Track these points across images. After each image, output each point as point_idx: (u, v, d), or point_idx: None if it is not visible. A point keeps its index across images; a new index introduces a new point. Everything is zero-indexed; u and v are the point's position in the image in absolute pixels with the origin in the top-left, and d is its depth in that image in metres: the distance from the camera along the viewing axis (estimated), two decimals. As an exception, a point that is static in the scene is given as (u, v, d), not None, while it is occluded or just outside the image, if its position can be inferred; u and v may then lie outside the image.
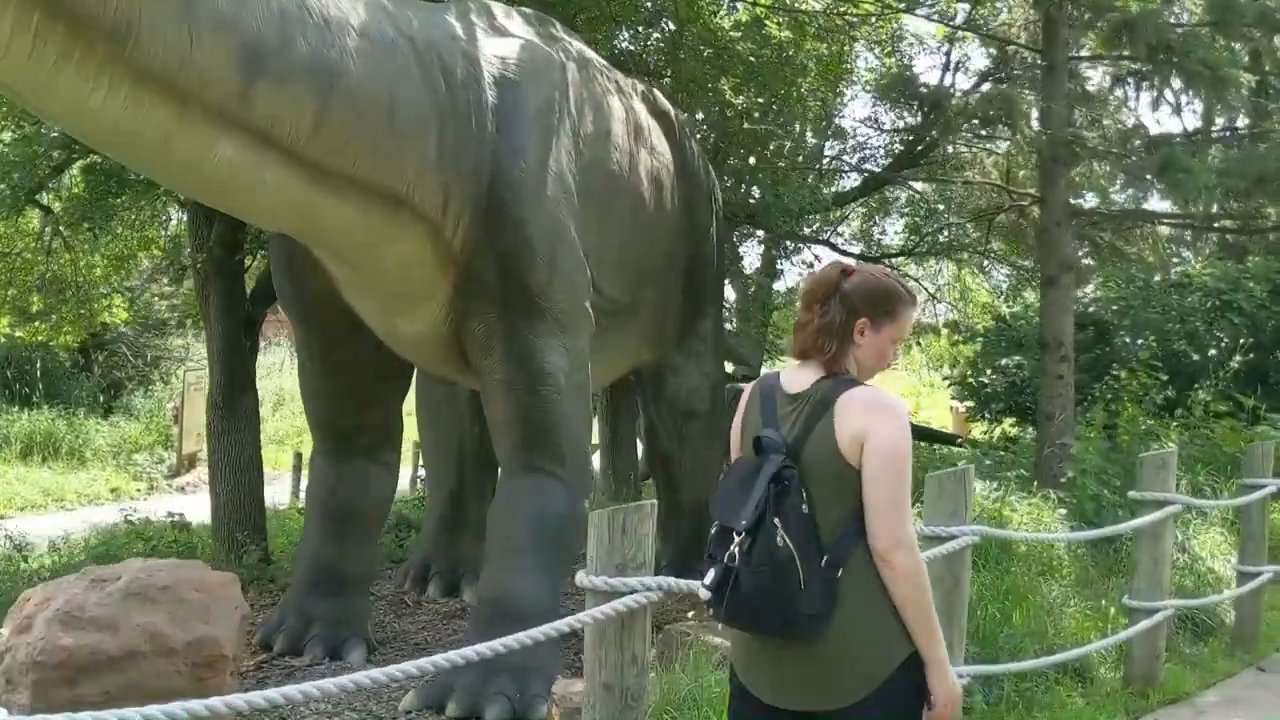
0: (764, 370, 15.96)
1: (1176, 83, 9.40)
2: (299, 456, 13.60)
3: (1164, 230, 9.78)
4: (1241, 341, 11.68)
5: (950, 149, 13.05)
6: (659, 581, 3.04)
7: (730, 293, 17.45)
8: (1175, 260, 14.13)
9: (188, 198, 7.12)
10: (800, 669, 2.29)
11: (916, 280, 25.18)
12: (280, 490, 13.34)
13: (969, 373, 15.70)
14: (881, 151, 15.54)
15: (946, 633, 2.72)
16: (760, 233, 15.31)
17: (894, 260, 20.87)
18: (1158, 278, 13.69)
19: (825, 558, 2.25)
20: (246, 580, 6.04)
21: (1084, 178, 10.92)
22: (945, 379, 18.17)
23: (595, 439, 9.35)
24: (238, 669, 4.04)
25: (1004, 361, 14.47)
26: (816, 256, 25.93)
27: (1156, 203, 11.95)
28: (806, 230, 18.06)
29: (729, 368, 16.20)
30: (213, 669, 3.72)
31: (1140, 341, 13.71)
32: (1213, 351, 13.14)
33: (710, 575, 2.34)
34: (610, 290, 6.25)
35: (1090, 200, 12.26)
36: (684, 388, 7.83)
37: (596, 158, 5.77)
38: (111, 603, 3.60)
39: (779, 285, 24.00)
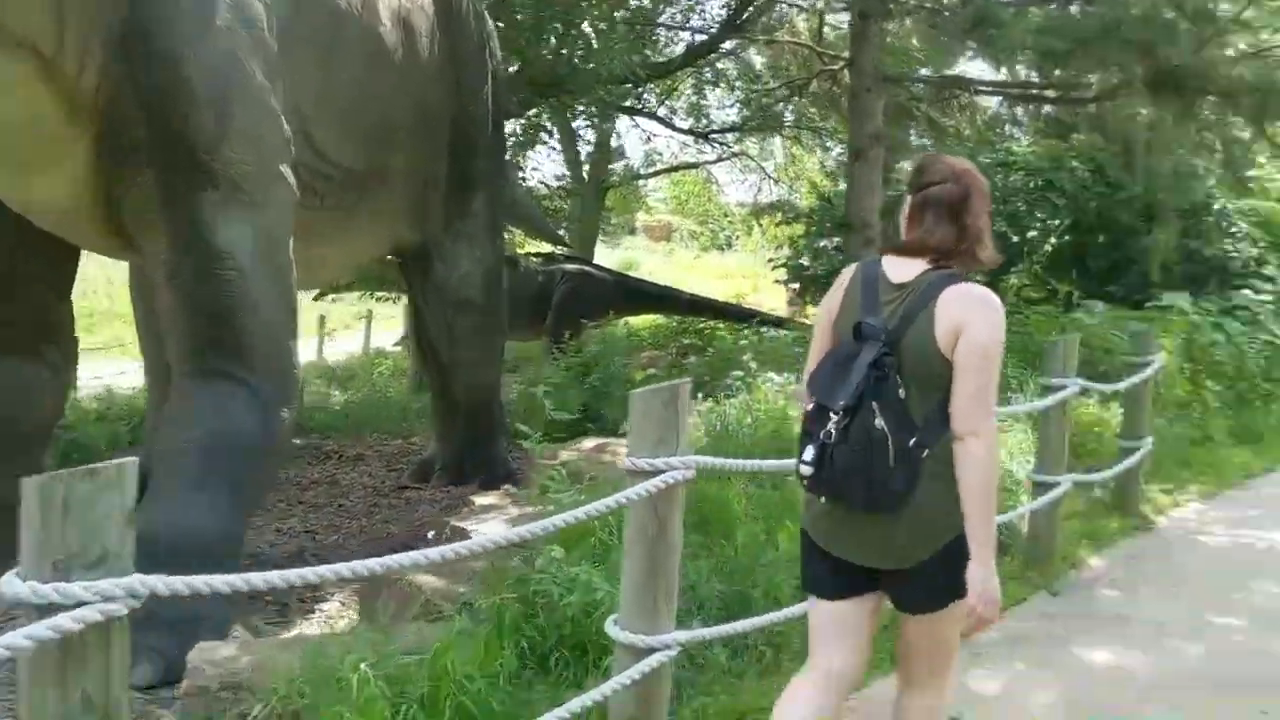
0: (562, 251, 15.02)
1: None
2: None
3: (985, 104, 9.19)
4: (1057, 224, 11.35)
5: (775, 9, 12.18)
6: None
7: (557, 169, 16.36)
8: (999, 137, 13.71)
9: None
10: (879, 535, 2.46)
11: (753, 160, 24.62)
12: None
13: (791, 256, 15.23)
14: (709, 15, 14.54)
15: (650, 592, 3.06)
16: (593, 106, 14.15)
17: (724, 137, 20.12)
18: (983, 156, 13.34)
19: (914, 440, 2.39)
20: None
21: (898, 41, 10.14)
22: (769, 261, 17.70)
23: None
24: None
25: (824, 243, 13.92)
26: (650, 134, 24.79)
27: (976, 71, 11.35)
28: (633, 102, 17.08)
29: (547, 249, 15.27)
30: None
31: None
32: (1033, 233, 12.93)
33: (809, 451, 2.45)
34: (338, 155, 5.15)
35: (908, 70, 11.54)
36: (454, 275, 6.83)
37: (311, -15, 4.62)
38: None
39: (622, 165, 23.08)
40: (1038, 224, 12.58)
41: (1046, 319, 9.23)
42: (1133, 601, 5.09)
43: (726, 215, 36.16)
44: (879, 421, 2.38)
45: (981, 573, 2.39)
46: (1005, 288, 9.21)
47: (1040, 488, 5.48)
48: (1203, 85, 7.13)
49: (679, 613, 3.27)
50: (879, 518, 2.43)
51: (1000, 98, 9.68)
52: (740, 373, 7.38)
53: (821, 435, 2.43)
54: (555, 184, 18.22)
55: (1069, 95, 8.46)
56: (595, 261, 16.05)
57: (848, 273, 2.63)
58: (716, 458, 3.53)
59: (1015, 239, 11.86)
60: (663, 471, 2.97)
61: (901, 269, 2.51)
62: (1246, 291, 11.28)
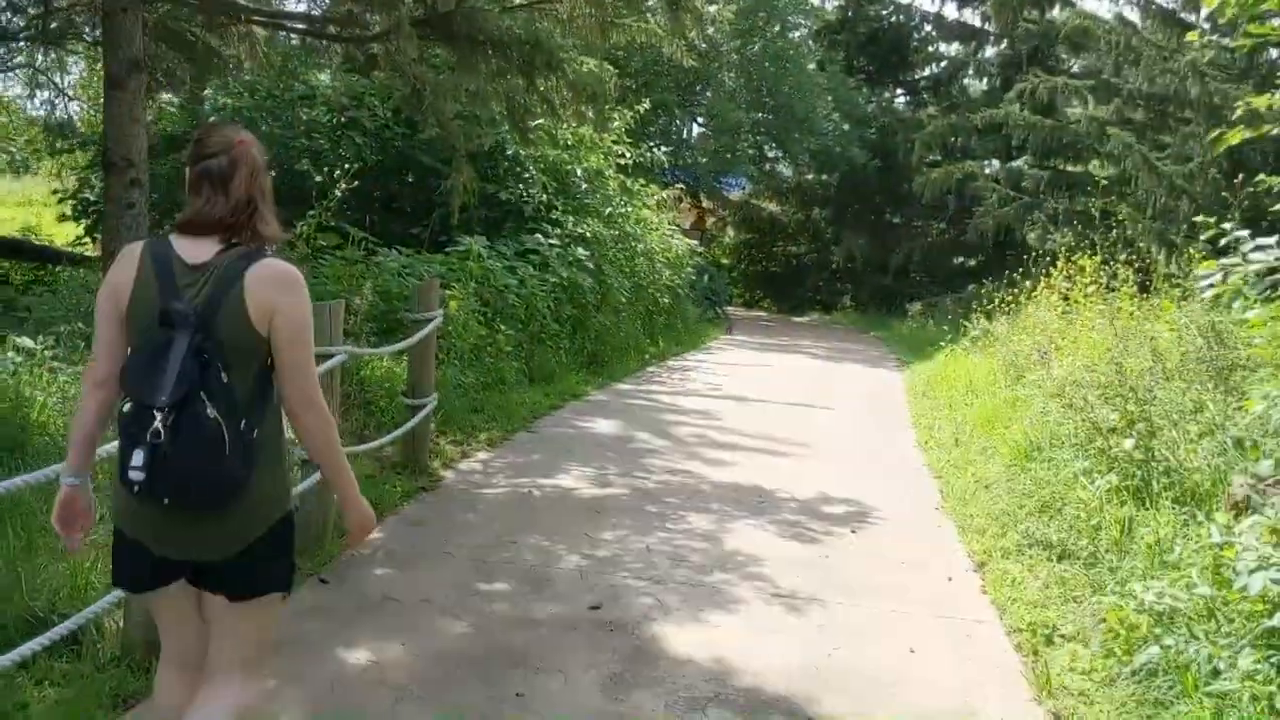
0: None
1: None
2: None
3: (264, 32, 8.40)
4: (360, 164, 10.97)
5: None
6: None
7: None
8: (304, 68, 12.98)
9: None
10: (213, 528, 2.40)
11: (43, 73, 21.01)
12: None
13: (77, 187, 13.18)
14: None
15: None
16: None
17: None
18: (281, 90, 12.53)
19: (244, 423, 2.34)
20: None
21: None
22: (55, 192, 15.27)
23: None
24: None
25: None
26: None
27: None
28: None
29: None
30: None
31: (267, 160, 12.48)
32: (338, 173, 12.47)
33: (138, 455, 2.27)
34: None
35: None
36: None
37: None
38: None
39: None
40: (344, 163, 12.15)
41: (346, 265, 8.79)
42: (407, 577, 4.79)
43: (25, 135, 31.01)
44: (211, 412, 2.28)
45: (356, 512, 2.60)
46: (302, 233, 8.56)
47: (310, 465, 4.97)
48: (473, 33, 7.05)
49: None
50: (215, 513, 2.37)
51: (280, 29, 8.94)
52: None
53: (149, 437, 2.27)
54: None
55: (352, 33, 7.96)
56: None
57: (133, 252, 2.44)
58: None
59: (318, 178, 11.28)
60: None
61: (195, 249, 2.41)
62: (539, 235, 11.96)
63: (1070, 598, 4.84)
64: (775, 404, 10.80)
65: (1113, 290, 10.95)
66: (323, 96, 12.23)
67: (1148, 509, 5.39)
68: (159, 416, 2.26)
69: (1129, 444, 5.71)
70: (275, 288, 2.38)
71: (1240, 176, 9.08)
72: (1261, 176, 8.86)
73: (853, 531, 5.98)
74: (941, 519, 6.38)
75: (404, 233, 11.90)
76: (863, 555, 5.55)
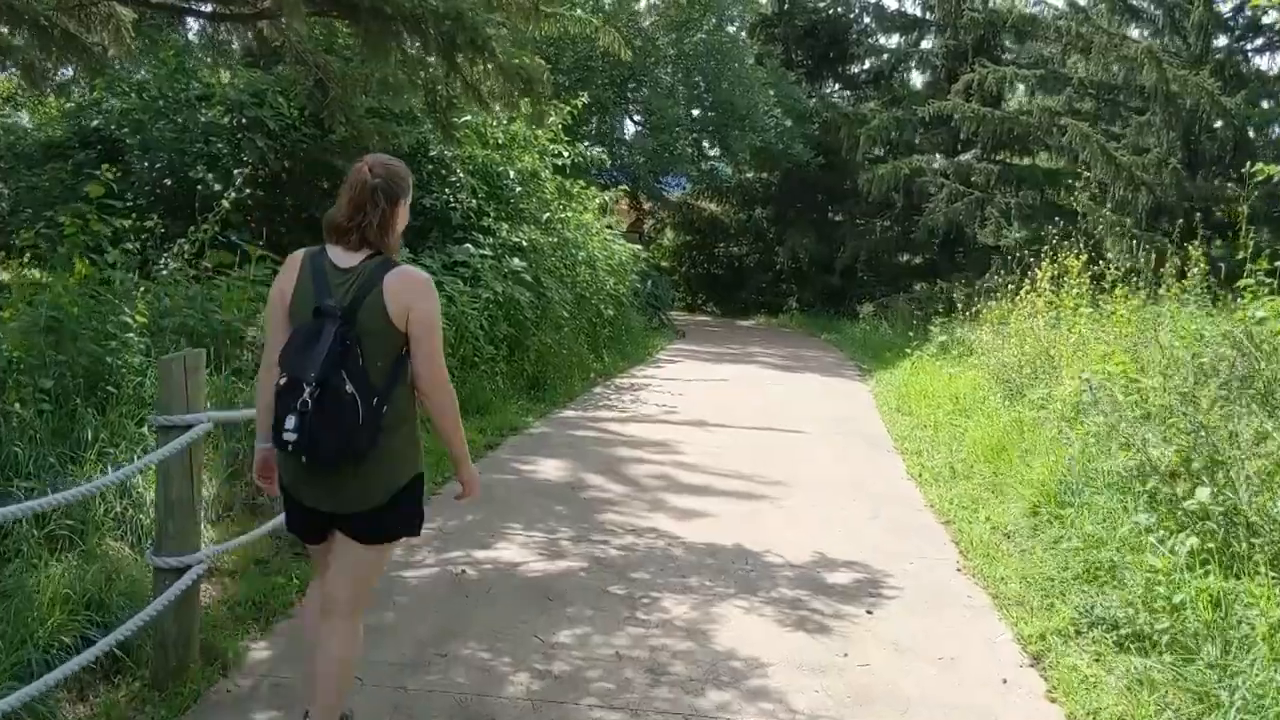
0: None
1: None
2: None
3: (128, 12, 7.00)
4: (248, 173, 9.57)
5: None
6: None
7: None
8: (197, 63, 11.53)
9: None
10: (347, 484, 2.91)
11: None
12: None
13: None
14: None
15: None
16: None
17: None
18: (174, 90, 11.06)
19: (376, 399, 2.84)
20: None
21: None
22: None
23: None
24: None
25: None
26: None
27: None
28: None
29: None
30: None
31: (160, 166, 11.06)
32: (240, 181, 11.06)
33: (290, 420, 2.79)
34: None
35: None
36: None
37: None
38: None
39: None
40: (247, 170, 10.76)
41: (242, 289, 7.44)
42: (298, 722, 3.58)
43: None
44: (349, 388, 2.79)
45: (468, 472, 3.19)
46: (181, 251, 7.19)
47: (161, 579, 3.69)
48: (379, 6, 5.78)
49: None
50: (347, 469, 2.87)
51: (148, 11, 7.55)
52: None
53: (299, 406, 2.78)
54: None
55: (231, 9, 6.64)
56: None
57: (295, 259, 3.00)
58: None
59: (219, 186, 9.88)
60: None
61: (345, 256, 2.93)
62: (468, 246, 10.67)
63: (1164, 705, 3.75)
64: (739, 428, 9.66)
65: (1104, 291, 10.02)
66: (219, 95, 10.80)
67: (1238, 577, 4.34)
68: (307, 390, 2.77)
69: (1204, 494, 4.64)
70: (410, 291, 2.88)
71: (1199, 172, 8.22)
72: (1260, 166, 7.98)
73: (869, 612, 4.82)
74: (969, 586, 5.26)
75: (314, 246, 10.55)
76: (888, 650, 4.39)
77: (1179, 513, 4.81)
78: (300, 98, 10.18)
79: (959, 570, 5.51)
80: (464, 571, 5.11)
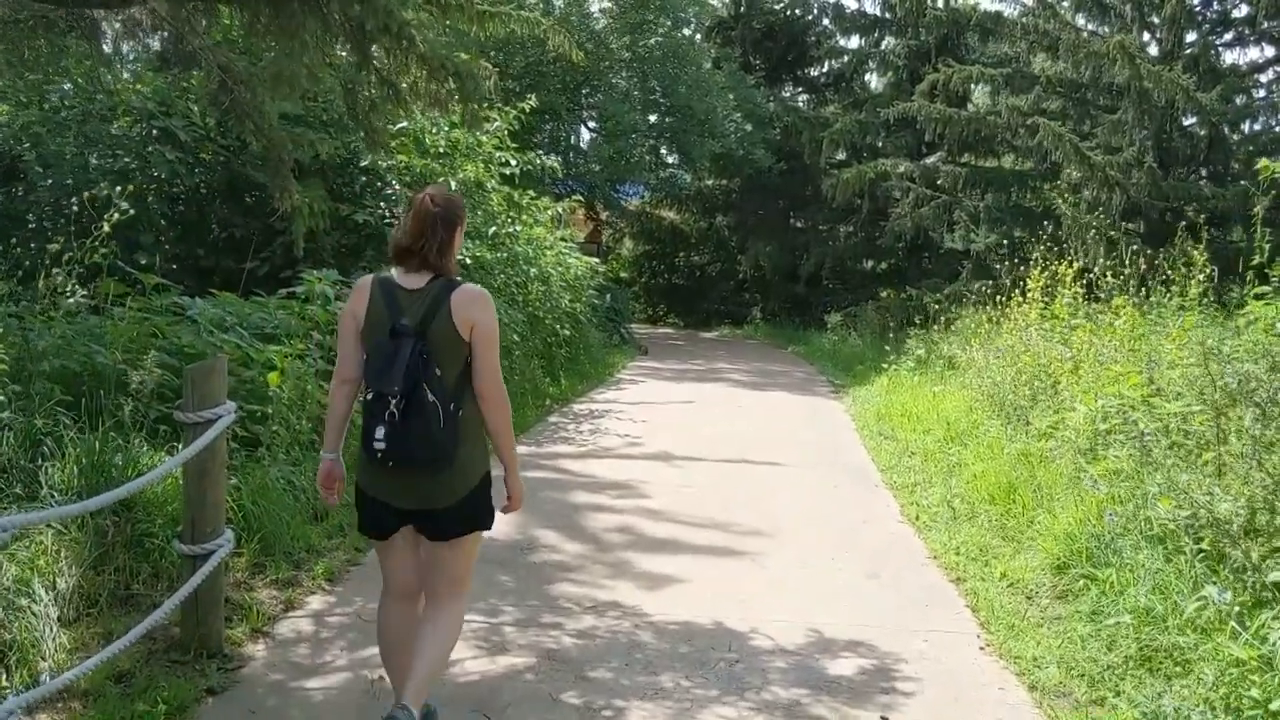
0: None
1: None
2: None
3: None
4: (178, 186, 8.54)
5: None
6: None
7: None
8: (111, 71, 10.47)
9: None
10: (430, 483, 3.21)
11: None
12: None
13: None
14: None
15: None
16: None
17: None
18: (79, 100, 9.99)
19: (452, 405, 3.15)
20: None
21: None
22: None
23: None
24: None
25: None
26: None
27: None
28: None
29: None
30: None
31: (68, 183, 9.98)
32: (153, 200, 10.01)
33: (380, 430, 3.10)
34: None
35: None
36: None
37: None
38: None
39: None
40: (153, 185, 9.71)
41: (135, 323, 6.43)
42: None
43: None
44: (430, 397, 3.09)
45: (517, 483, 3.46)
46: (54, 279, 6.17)
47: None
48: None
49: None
50: (434, 471, 3.17)
51: None
52: None
53: (387, 416, 3.09)
54: None
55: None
56: None
57: (364, 284, 3.30)
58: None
59: (127, 205, 8.81)
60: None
61: (411, 279, 3.23)
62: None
63: None
64: (709, 462, 8.74)
65: (1097, 300, 9.24)
66: (123, 105, 9.72)
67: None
68: (393, 401, 3.09)
69: (1292, 564, 3.78)
70: (472, 304, 3.21)
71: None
72: (1265, 162, 7.21)
73: (884, 719, 3.91)
74: (999, 673, 4.35)
75: (238, 269, 9.51)
76: (916, 779, 3.48)
77: (1256, 584, 3.95)
78: (202, 103, 9.16)
79: (982, 649, 4.61)
80: (381, 678, 4.13)
